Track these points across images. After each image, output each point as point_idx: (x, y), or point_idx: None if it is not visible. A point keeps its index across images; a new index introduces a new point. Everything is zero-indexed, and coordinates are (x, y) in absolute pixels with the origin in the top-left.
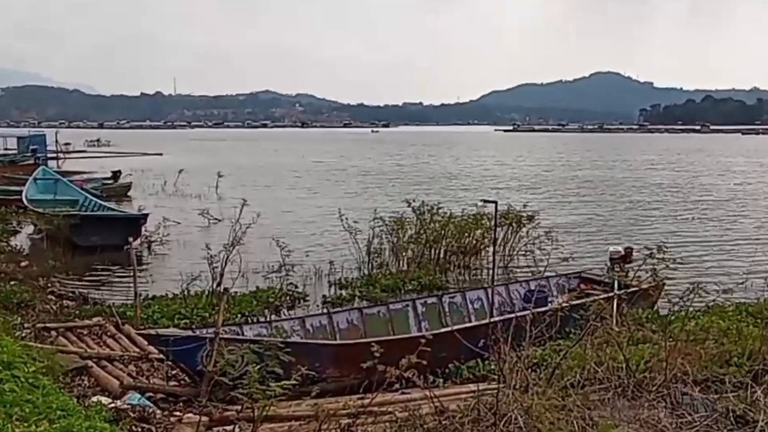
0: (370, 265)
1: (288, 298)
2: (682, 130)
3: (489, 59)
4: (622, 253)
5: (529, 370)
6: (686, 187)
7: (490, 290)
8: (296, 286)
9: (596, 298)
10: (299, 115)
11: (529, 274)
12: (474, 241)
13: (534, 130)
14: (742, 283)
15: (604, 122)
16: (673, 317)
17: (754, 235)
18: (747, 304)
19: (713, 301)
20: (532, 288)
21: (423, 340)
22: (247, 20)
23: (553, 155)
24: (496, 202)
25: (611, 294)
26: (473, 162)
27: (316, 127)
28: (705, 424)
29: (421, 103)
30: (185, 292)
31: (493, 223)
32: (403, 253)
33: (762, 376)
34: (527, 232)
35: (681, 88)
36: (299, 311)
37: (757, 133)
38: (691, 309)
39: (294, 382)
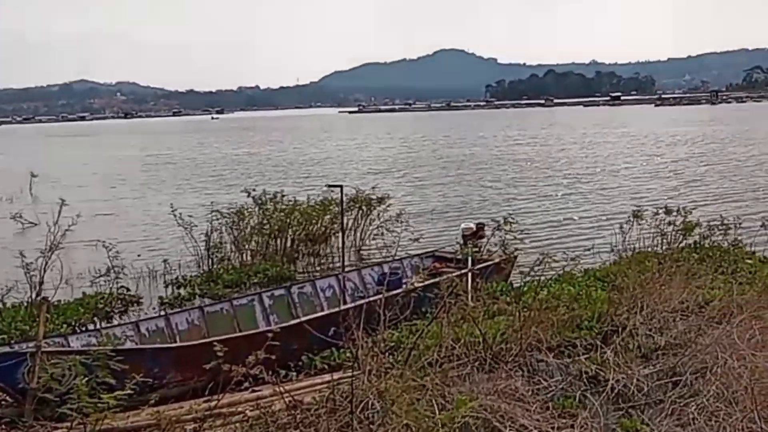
0: (210, 260)
1: (120, 302)
2: (528, 105)
3: (330, 39)
4: (474, 229)
5: (386, 353)
6: (542, 161)
7: (341, 277)
8: (128, 289)
9: (450, 275)
10: (122, 105)
11: (383, 258)
12: (323, 228)
13: (380, 111)
14: (589, 249)
15: (452, 100)
16: (526, 288)
17: (611, 207)
18: (595, 269)
19: (563, 269)
20: (386, 271)
21: (270, 335)
22: (58, 6)
23: (405, 135)
24: (341, 186)
25: (465, 270)
26: (320, 146)
27: (142, 117)
28: (560, 387)
29: (258, 87)
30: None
31: (343, 207)
32: (246, 246)
33: (611, 336)
34: (378, 214)
35: (524, 64)
36: (133, 315)
37: (598, 105)
38: (542, 278)
39: (129, 391)
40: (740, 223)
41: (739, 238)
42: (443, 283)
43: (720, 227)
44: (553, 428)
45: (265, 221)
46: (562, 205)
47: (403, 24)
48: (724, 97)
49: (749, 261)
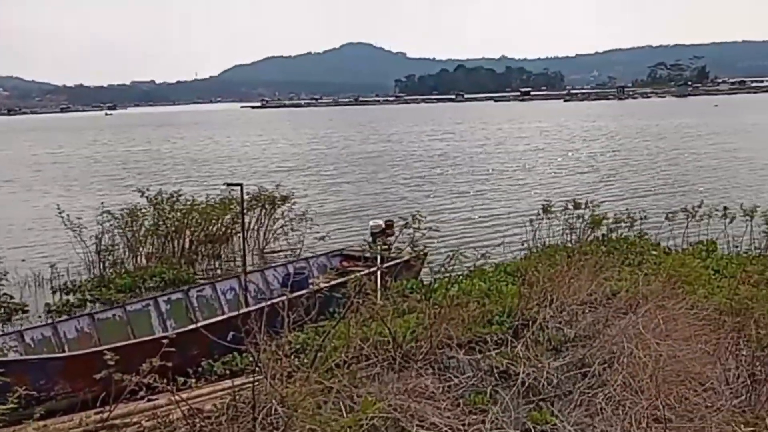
0: (101, 264)
1: (2, 310)
2: (438, 100)
3: (230, 32)
4: (383, 226)
5: (291, 356)
6: (458, 157)
7: (243, 278)
8: (11, 296)
9: (358, 274)
10: (4, 100)
11: (288, 258)
12: (223, 228)
13: (285, 106)
14: (499, 244)
15: (360, 94)
16: (436, 285)
17: (524, 203)
18: (506, 264)
19: (474, 264)
20: (290, 271)
21: (166, 341)
22: None
23: (313, 131)
24: (241, 185)
25: (373, 269)
26: (223, 143)
27: (27, 113)
28: (471, 383)
29: (153, 81)
30: None
31: (243, 207)
32: (141, 248)
33: (522, 330)
34: (283, 213)
35: (434, 58)
36: (17, 324)
37: (508, 100)
38: (453, 275)
39: (12, 405)
40: (645, 216)
41: (645, 230)
42: (351, 282)
43: (626, 220)
44: (463, 425)
45: (160, 222)
46: (475, 202)
47: (308, 16)
48: (631, 93)
49: (654, 252)
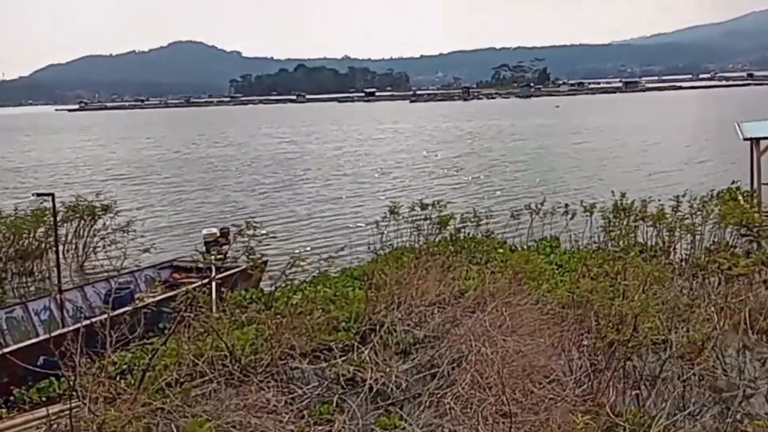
0: None
1: None
2: (278, 100)
3: (42, 29)
4: (217, 234)
5: (116, 378)
6: (307, 161)
7: (58, 297)
8: None
9: (189, 287)
10: None
11: (111, 272)
12: (36, 242)
13: (107, 108)
14: (343, 248)
15: (191, 95)
16: (278, 293)
17: (375, 205)
18: (351, 269)
19: (318, 270)
20: (114, 287)
21: None
22: None
23: (143, 135)
24: (52, 194)
25: (207, 280)
26: (37, 149)
27: None
28: (316, 394)
29: None
30: None
31: (56, 218)
32: None
33: (369, 335)
34: (104, 224)
35: (272, 58)
36: None
37: (353, 101)
38: (296, 282)
39: None
40: (491, 215)
41: (493, 228)
42: (181, 295)
43: (473, 219)
44: None
45: None
46: (323, 206)
47: (130, 12)
48: (476, 94)
49: (501, 250)
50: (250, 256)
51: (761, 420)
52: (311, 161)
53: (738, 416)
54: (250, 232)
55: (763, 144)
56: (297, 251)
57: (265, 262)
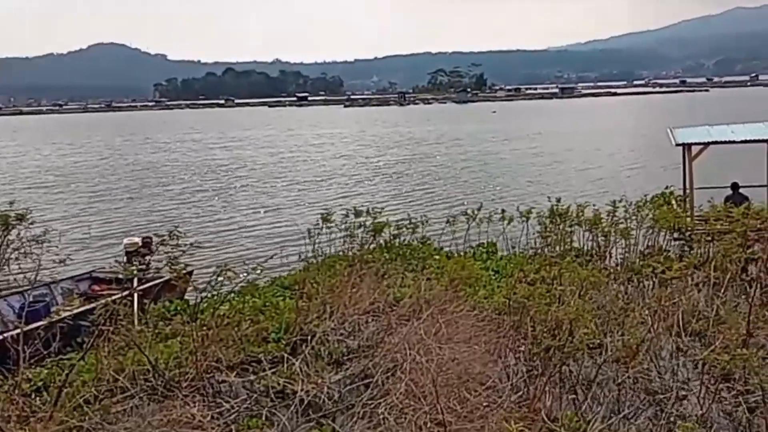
0: None
1: None
2: (206, 105)
3: None
4: (139, 244)
5: (31, 396)
6: (240, 168)
7: None
8: None
9: (109, 299)
10: None
11: (25, 284)
12: None
13: (23, 113)
14: (272, 257)
15: (113, 99)
16: (204, 305)
17: (307, 212)
18: (282, 278)
19: (247, 280)
20: (29, 300)
21: None
22: None
23: (60, 141)
24: None
25: (128, 291)
26: None
27: None
28: (245, 407)
29: None
30: None
31: None
32: None
33: (300, 346)
34: (18, 234)
35: (199, 61)
36: None
37: (284, 105)
38: (223, 292)
39: None
40: (429, 221)
41: (428, 235)
42: (100, 307)
43: (409, 226)
44: None
45: None
46: (255, 214)
47: (47, 12)
48: (412, 99)
49: (437, 257)
50: (174, 267)
51: (690, 422)
52: (245, 168)
53: (671, 418)
54: (174, 241)
55: (694, 149)
56: (226, 261)
57: (191, 273)
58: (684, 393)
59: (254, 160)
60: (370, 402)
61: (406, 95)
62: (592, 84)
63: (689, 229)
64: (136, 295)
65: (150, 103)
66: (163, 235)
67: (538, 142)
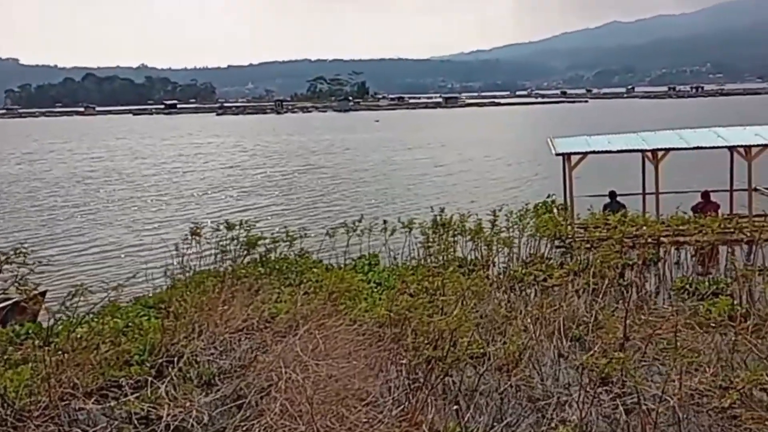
0: None
1: None
2: (64, 113)
3: None
4: None
5: None
6: (93, 180)
7: None
8: None
9: None
10: None
11: None
12: None
13: None
14: (134, 276)
15: None
16: (59, 327)
17: (168, 229)
18: (146, 297)
19: (107, 300)
20: None
21: None
22: None
23: None
24: None
25: None
26: None
27: None
28: None
29: None
30: None
31: None
32: None
33: (167, 368)
34: None
35: (56, 66)
36: None
37: (151, 113)
38: (80, 313)
39: None
40: (306, 234)
41: (307, 248)
42: None
43: (286, 239)
44: None
45: None
46: (116, 231)
47: None
48: (290, 107)
49: (316, 270)
50: (22, 287)
51: (569, 426)
52: (119, 180)
53: (552, 423)
54: (20, 259)
55: (573, 159)
56: (84, 280)
57: (44, 293)
58: (565, 398)
59: (128, 171)
60: (242, 424)
61: (284, 103)
62: (476, 94)
63: (570, 236)
64: None
65: (1, 111)
66: (7, 252)
67: (425, 152)
